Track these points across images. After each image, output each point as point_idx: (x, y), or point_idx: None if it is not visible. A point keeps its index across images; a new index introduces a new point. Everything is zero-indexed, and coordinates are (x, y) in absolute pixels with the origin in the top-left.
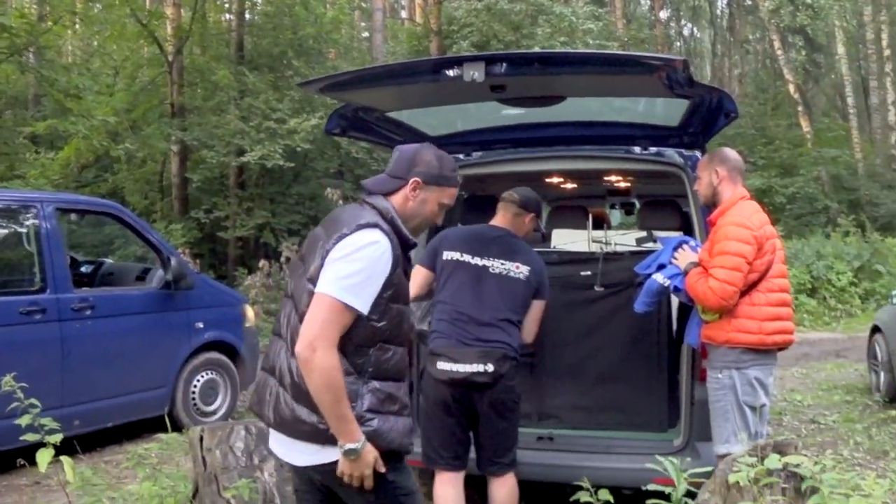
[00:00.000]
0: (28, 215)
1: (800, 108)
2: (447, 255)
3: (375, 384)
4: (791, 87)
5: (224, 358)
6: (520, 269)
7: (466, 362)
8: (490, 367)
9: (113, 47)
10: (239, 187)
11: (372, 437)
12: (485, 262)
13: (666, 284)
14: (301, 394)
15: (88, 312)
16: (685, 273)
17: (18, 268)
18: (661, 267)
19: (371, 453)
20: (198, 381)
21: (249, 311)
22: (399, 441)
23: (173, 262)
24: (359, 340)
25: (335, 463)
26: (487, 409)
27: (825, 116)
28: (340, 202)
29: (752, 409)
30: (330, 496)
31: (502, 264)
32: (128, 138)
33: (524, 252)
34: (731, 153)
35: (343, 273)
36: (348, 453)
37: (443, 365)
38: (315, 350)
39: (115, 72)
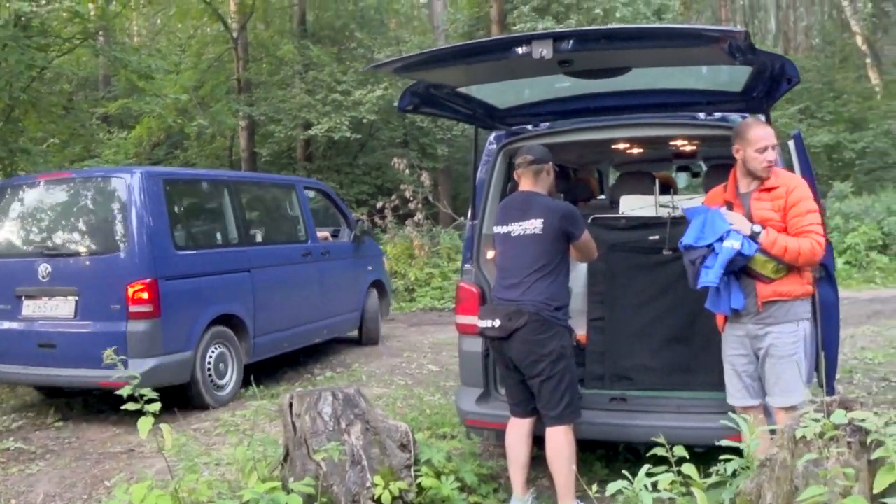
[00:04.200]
0: (291, 192)
1: (868, 60)
2: (492, 230)
3: None
4: (859, 39)
5: (376, 291)
6: (534, 225)
7: (485, 318)
8: (497, 322)
9: (178, 26)
10: (306, 160)
11: None
12: (508, 228)
13: (738, 249)
14: None
15: (327, 256)
16: (752, 237)
17: (293, 226)
18: (719, 238)
19: None
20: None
21: (386, 260)
22: None
23: (360, 223)
24: None
25: None
26: (516, 361)
27: (895, 68)
28: (406, 171)
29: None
30: None
31: (520, 225)
32: (197, 115)
33: (537, 207)
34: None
35: None
36: None
37: (478, 322)
38: None
39: (181, 50)
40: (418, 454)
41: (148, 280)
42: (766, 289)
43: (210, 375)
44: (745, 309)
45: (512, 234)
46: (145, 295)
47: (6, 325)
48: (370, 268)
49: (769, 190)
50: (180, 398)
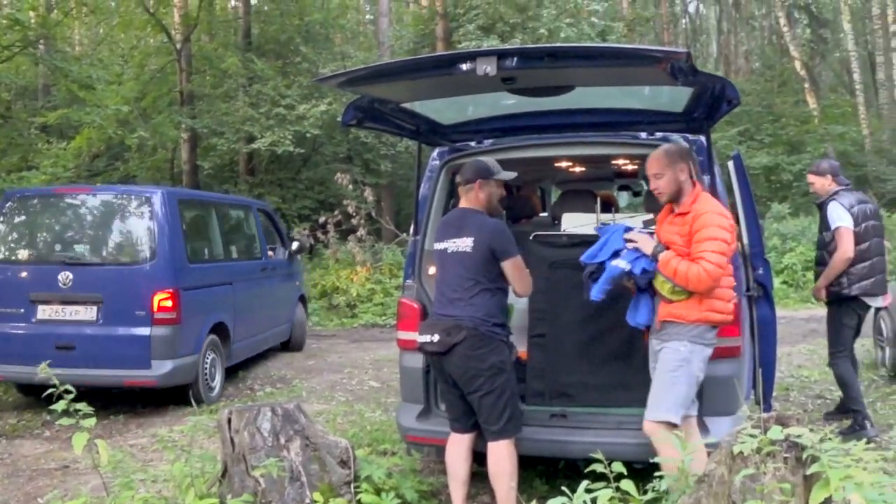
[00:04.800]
0: (249, 212)
1: (806, 85)
2: (433, 246)
3: None
4: (797, 64)
5: (301, 304)
6: (465, 243)
7: (424, 333)
8: (436, 337)
9: (121, 36)
10: (249, 174)
11: None
12: (445, 244)
13: (628, 269)
14: None
15: (274, 271)
16: (654, 257)
17: (251, 244)
18: (614, 255)
19: None
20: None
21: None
22: None
23: (293, 243)
24: None
25: None
26: (456, 376)
27: (832, 93)
28: (350, 186)
29: (698, 384)
30: None
31: (454, 243)
32: (138, 127)
33: (469, 225)
34: (683, 145)
35: None
36: None
37: (417, 337)
38: None
39: (123, 61)
40: (358, 470)
41: (172, 290)
42: (664, 308)
43: (206, 376)
44: (652, 326)
45: (448, 251)
46: (169, 303)
47: (19, 328)
48: (297, 283)
49: (682, 215)
50: (176, 397)
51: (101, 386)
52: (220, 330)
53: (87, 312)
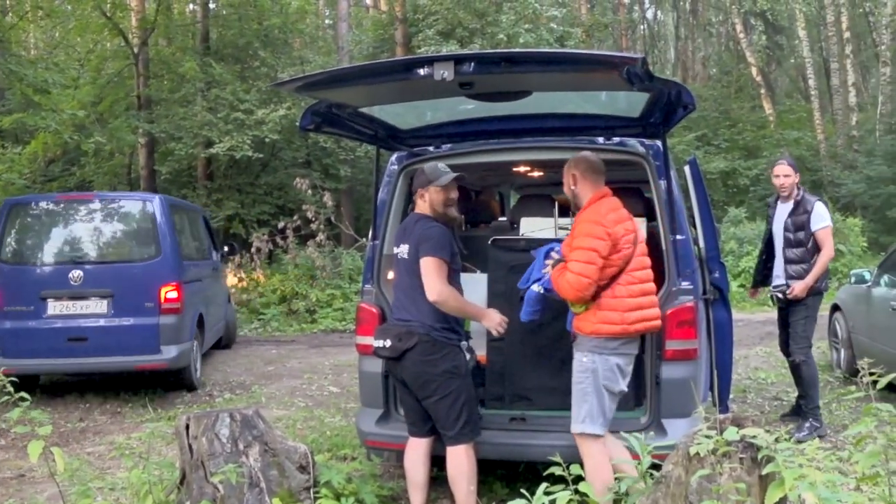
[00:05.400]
0: (199, 218)
1: (762, 91)
2: (391, 251)
3: None
4: (753, 70)
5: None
6: (405, 249)
7: (378, 338)
8: (388, 342)
9: (77, 40)
10: (207, 179)
11: None
12: (397, 250)
13: (541, 291)
14: None
15: (216, 272)
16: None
17: (201, 245)
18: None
19: None
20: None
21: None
22: None
23: (226, 246)
24: None
25: None
26: (409, 381)
27: (787, 98)
28: (309, 191)
29: (611, 393)
30: None
31: (401, 248)
32: (95, 131)
33: (410, 232)
34: (587, 156)
35: None
36: None
37: (373, 341)
38: None
39: (80, 65)
40: (318, 476)
41: (176, 283)
42: (574, 320)
43: (195, 360)
44: None
45: (398, 257)
46: (174, 294)
47: (30, 324)
48: (226, 283)
49: (576, 224)
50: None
51: (113, 372)
52: (199, 320)
53: (98, 306)
